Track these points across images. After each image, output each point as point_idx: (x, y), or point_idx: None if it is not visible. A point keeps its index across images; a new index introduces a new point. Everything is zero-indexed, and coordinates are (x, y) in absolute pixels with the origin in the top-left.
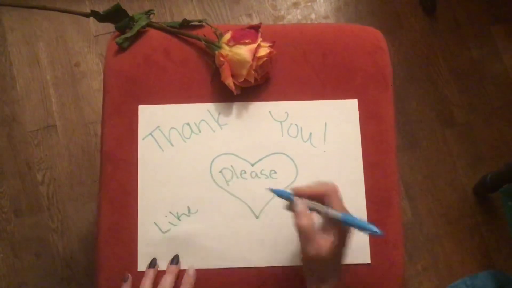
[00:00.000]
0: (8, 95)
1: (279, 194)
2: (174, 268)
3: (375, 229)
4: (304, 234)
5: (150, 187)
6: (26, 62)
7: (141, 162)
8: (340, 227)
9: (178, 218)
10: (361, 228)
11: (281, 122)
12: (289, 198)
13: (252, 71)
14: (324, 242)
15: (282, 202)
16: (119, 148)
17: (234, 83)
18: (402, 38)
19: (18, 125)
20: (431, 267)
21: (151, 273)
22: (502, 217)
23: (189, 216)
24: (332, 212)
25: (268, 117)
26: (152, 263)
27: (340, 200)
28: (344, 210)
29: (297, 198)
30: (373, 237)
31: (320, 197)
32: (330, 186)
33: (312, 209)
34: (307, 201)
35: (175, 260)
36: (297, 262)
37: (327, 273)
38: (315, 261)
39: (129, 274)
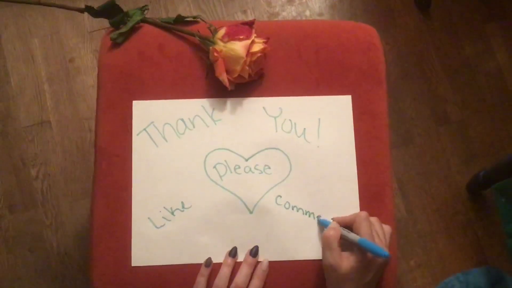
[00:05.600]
0: (3, 91)
1: (324, 223)
2: (252, 260)
3: (383, 252)
4: (327, 244)
5: (144, 183)
6: (20, 58)
7: (135, 158)
8: (366, 255)
9: (172, 213)
10: (372, 250)
11: (275, 118)
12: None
13: (246, 67)
14: (344, 256)
15: (276, 198)
16: (113, 143)
17: (228, 78)
18: (396, 35)
19: (12, 121)
20: (424, 264)
21: (230, 261)
22: (495, 213)
23: (183, 211)
24: (350, 235)
25: (262, 113)
26: (232, 252)
27: (368, 228)
28: (370, 236)
29: (334, 221)
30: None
31: (351, 225)
32: (360, 214)
33: (342, 236)
34: (340, 228)
35: (256, 252)
36: (290, 257)
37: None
38: (329, 270)
39: (211, 259)
